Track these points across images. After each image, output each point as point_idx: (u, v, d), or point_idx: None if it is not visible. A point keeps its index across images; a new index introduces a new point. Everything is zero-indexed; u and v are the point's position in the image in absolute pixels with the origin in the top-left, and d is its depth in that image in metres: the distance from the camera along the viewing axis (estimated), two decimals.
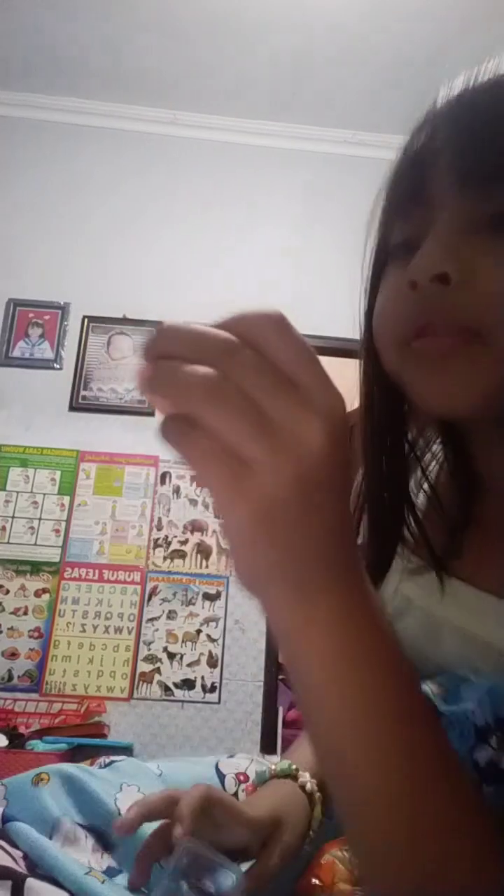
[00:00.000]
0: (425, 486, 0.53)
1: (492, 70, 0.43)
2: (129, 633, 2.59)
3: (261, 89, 3.05)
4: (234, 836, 0.52)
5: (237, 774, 0.65)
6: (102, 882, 0.47)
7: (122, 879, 0.51)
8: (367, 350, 0.46)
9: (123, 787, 0.58)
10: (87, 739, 2.26)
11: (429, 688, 0.48)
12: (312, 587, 0.31)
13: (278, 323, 0.29)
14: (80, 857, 0.50)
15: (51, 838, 0.51)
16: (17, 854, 0.46)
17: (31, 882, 0.42)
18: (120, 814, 0.53)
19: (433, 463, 0.53)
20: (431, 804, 0.33)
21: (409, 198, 0.42)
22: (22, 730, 2.28)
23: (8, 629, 2.56)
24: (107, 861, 0.53)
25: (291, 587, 0.31)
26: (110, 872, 0.50)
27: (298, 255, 3.12)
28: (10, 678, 2.50)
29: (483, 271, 0.37)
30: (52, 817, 0.53)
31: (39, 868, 0.46)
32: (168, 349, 0.28)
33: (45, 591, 2.62)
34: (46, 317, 2.96)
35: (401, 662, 0.34)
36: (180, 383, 0.27)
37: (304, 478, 0.28)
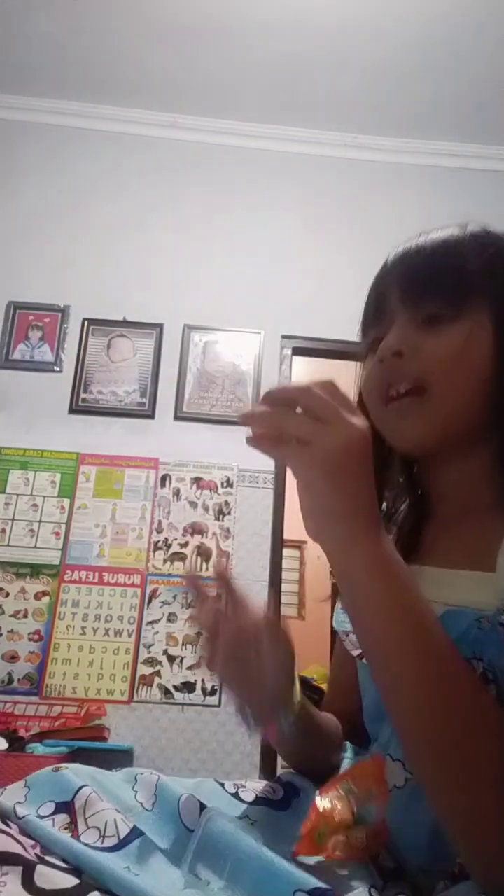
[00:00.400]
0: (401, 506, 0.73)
1: (435, 234, 0.64)
2: (130, 635, 2.59)
3: (261, 92, 3.05)
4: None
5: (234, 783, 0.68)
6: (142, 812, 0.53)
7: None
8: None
9: (138, 778, 0.61)
10: (87, 742, 2.26)
11: None
12: (363, 524, 0.48)
13: (330, 383, 0.49)
14: (107, 811, 0.53)
15: (72, 803, 0.54)
16: (29, 843, 0.48)
17: (42, 868, 0.43)
18: (143, 806, 0.57)
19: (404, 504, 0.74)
20: (448, 676, 0.46)
21: (375, 312, 0.66)
22: (22, 733, 2.28)
23: (8, 632, 2.56)
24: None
25: (351, 522, 0.48)
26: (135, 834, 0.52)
27: (299, 258, 3.12)
28: (10, 681, 2.50)
29: (423, 350, 0.60)
30: (75, 786, 0.56)
31: (51, 854, 0.47)
32: (271, 398, 0.49)
33: (45, 593, 2.62)
34: (47, 319, 2.97)
35: (416, 583, 0.50)
36: (282, 415, 0.48)
37: (349, 447, 0.46)
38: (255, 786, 0.69)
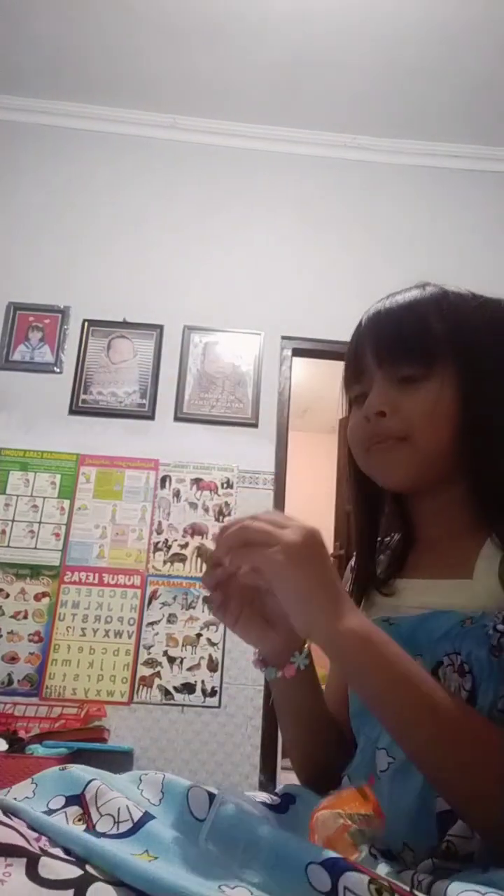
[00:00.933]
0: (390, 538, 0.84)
1: (400, 299, 0.73)
2: (129, 636, 2.59)
3: (260, 93, 3.05)
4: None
5: None
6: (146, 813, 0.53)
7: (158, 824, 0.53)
8: (351, 462, 0.79)
9: (143, 778, 0.62)
10: (87, 744, 2.26)
11: (375, 619, 0.71)
12: (333, 597, 0.57)
13: (273, 512, 0.60)
14: (119, 798, 0.53)
15: (83, 795, 0.55)
16: (33, 836, 0.48)
17: (46, 860, 0.43)
18: (150, 802, 0.58)
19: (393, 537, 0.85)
20: (437, 711, 0.55)
21: (355, 370, 0.76)
22: (22, 734, 2.28)
23: (8, 633, 2.56)
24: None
25: (323, 599, 0.57)
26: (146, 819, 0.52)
27: (299, 259, 3.12)
28: (11, 682, 2.50)
29: (403, 409, 0.69)
30: (84, 780, 0.56)
31: (58, 847, 0.48)
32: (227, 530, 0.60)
33: (45, 594, 2.62)
34: (47, 320, 2.97)
35: (391, 639, 0.58)
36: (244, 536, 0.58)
37: (307, 539, 0.56)
38: (253, 795, 0.71)
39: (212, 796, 0.56)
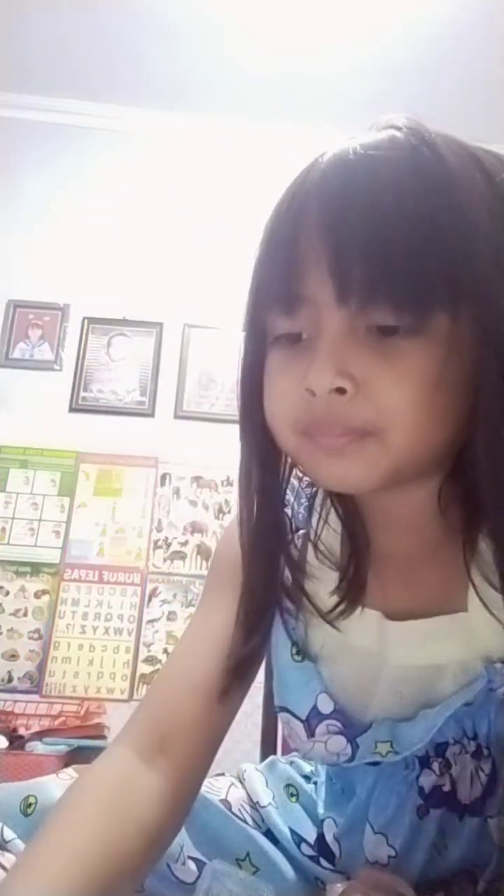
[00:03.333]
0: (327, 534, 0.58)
1: (383, 177, 0.40)
2: (129, 634, 2.59)
3: (260, 93, 3.05)
4: None
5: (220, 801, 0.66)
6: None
7: None
8: (248, 415, 0.53)
9: None
10: (87, 741, 2.26)
11: (380, 753, 0.52)
12: None
13: None
14: None
15: None
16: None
17: None
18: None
19: (321, 523, 0.59)
20: None
21: (287, 294, 0.44)
22: (22, 731, 2.28)
23: (8, 630, 2.56)
24: None
25: None
26: None
27: None
28: (10, 679, 2.50)
29: (374, 387, 0.41)
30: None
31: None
32: None
33: (44, 592, 2.62)
34: (46, 318, 2.97)
35: None
36: None
37: None
38: (239, 797, 0.67)
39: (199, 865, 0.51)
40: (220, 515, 2.74)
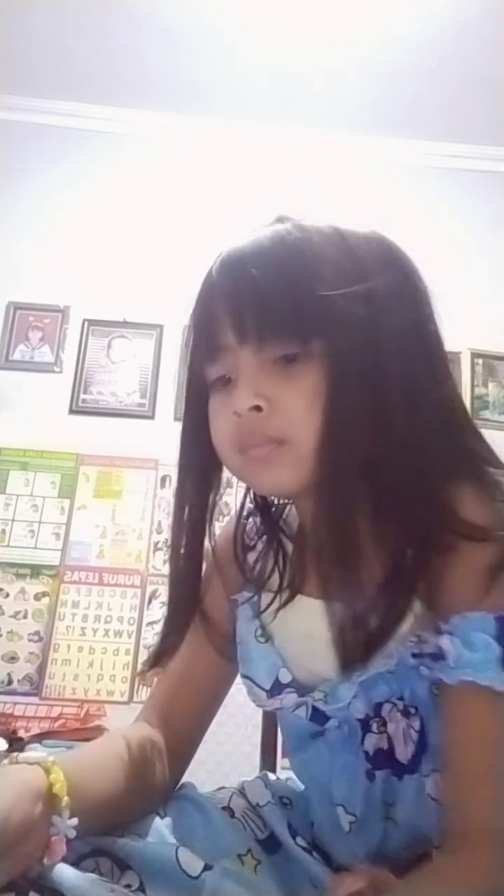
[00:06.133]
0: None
1: (262, 248, 0.58)
2: (130, 636, 2.58)
3: (260, 93, 3.05)
4: None
5: None
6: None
7: None
8: (190, 442, 0.67)
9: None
10: (87, 743, 2.26)
11: (313, 697, 0.64)
12: None
13: None
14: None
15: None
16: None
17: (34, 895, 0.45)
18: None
19: (250, 522, 0.79)
20: None
21: (209, 348, 0.60)
22: (21, 733, 2.28)
23: (7, 633, 2.56)
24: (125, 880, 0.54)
25: None
26: None
27: None
28: (10, 682, 2.50)
29: (283, 403, 0.56)
30: None
31: (47, 880, 0.48)
32: None
33: (44, 594, 2.61)
34: (47, 320, 2.97)
35: None
36: None
37: None
38: (241, 804, 0.72)
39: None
40: (220, 517, 2.73)
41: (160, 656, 0.72)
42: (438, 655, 0.54)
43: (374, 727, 0.61)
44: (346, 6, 2.60)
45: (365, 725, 0.62)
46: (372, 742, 0.62)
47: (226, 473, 0.69)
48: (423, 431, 0.56)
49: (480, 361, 2.97)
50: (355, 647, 0.57)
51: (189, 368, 0.66)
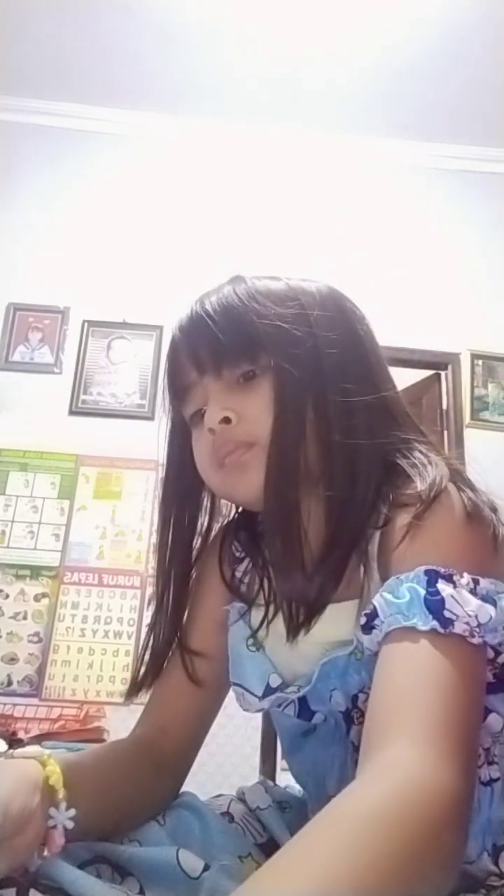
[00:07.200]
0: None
1: (214, 300, 0.68)
2: (129, 637, 2.58)
3: (260, 94, 3.05)
4: None
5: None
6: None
7: None
8: (174, 468, 0.81)
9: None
10: (86, 744, 2.26)
11: (296, 691, 0.66)
12: None
13: None
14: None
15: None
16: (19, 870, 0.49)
17: (34, 894, 0.45)
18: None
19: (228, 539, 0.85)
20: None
21: (179, 390, 0.71)
22: (21, 735, 2.28)
23: (7, 634, 2.56)
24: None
25: None
26: None
27: (297, 260, 3.12)
28: (10, 683, 2.50)
29: (248, 412, 0.65)
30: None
31: (48, 879, 0.48)
32: None
33: (44, 595, 2.61)
34: (46, 321, 2.97)
35: None
36: None
37: None
38: (241, 809, 0.73)
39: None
40: (220, 518, 2.73)
41: (139, 688, 0.77)
42: (374, 615, 0.56)
43: (356, 717, 0.63)
44: (349, 9, 2.60)
45: (348, 717, 0.64)
46: (357, 733, 0.63)
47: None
48: (357, 421, 0.64)
49: (480, 362, 2.97)
50: (298, 614, 0.63)
51: (171, 419, 0.78)
